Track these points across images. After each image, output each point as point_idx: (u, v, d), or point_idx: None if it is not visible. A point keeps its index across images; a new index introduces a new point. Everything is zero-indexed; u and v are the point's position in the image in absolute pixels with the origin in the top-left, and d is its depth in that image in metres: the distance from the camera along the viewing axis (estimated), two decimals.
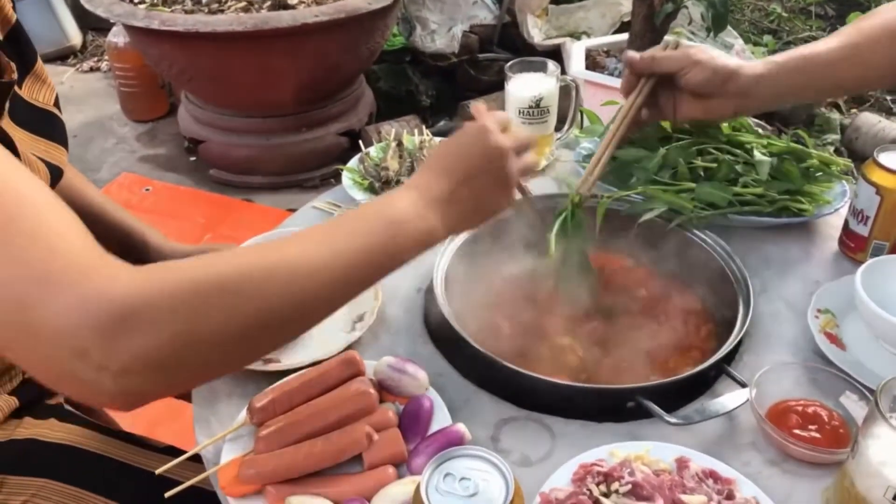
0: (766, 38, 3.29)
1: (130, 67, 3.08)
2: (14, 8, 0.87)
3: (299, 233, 0.65)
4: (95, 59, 3.82)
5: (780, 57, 1.01)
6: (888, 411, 0.62)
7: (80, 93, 3.53)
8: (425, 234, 0.70)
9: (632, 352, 0.95)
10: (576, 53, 2.42)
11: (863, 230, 0.99)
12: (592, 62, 2.46)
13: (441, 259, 1.00)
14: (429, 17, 3.20)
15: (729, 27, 3.28)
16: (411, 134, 1.32)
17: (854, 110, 3.12)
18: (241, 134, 2.70)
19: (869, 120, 2.90)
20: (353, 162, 1.27)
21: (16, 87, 0.82)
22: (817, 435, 0.77)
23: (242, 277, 0.57)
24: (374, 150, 1.28)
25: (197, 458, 0.81)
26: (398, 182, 1.19)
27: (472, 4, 3.19)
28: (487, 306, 1.02)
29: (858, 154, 2.77)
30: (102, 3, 2.40)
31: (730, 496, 0.70)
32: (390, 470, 0.74)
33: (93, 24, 3.92)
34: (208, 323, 0.54)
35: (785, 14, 3.66)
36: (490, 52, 3.21)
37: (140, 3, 2.45)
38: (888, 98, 3.27)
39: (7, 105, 0.79)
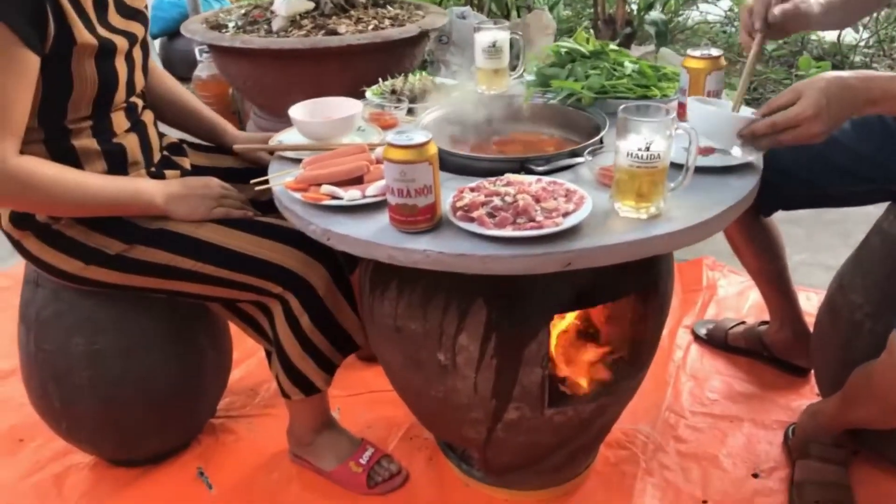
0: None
1: (210, 95, 3.86)
2: None
3: (88, 174, 1.41)
4: None
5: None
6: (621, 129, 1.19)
7: None
8: (149, 206, 1.47)
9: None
10: None
11: (683, 100, 1.57)
12: None
13: (424, 119, 1.62)
14: (451, 59, 3.93)
15: None
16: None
17: None
18: None
19: None
20: (374, 87, 1.91)
21: None
22: None
23: (49, 186, 1.33)
24: (389, 81, 1.93)
25: None
26: (402, 91, 1.83)
27: None
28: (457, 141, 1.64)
29: None
30: (198, 30, 3.16)
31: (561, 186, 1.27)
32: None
33: (176, 74, 4.77)
34: (29, 201, 1.37)
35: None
36: None
37: (226, 31, 3.20)
38: None
39: (112, 5, 1.47)
